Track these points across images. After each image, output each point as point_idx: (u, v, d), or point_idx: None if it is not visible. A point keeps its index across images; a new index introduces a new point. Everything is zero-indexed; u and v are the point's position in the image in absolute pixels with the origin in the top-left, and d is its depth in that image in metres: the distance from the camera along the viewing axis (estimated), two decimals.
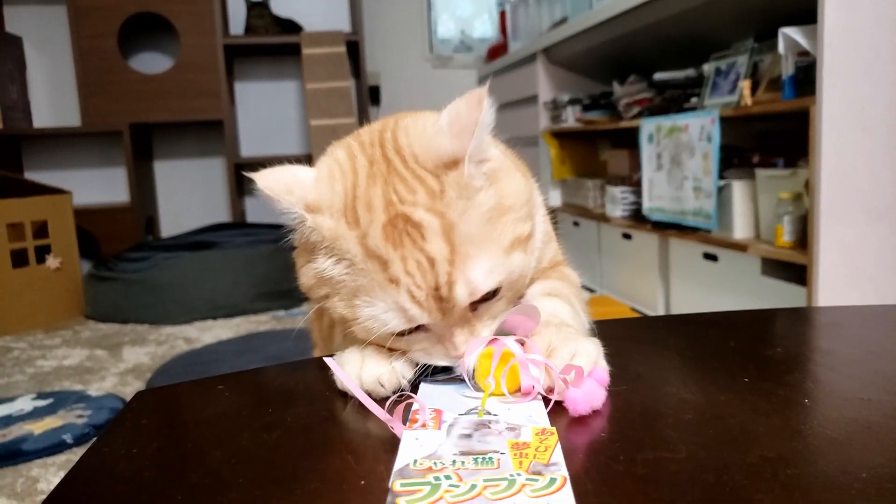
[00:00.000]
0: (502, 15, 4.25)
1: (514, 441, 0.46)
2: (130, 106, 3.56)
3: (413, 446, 0.47)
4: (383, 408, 0.53)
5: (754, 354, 0.65)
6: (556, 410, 0.52)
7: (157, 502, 0.43)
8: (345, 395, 0.58)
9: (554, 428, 0.48)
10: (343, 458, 0.47)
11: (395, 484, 0.41)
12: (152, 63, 3.87)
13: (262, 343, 2.44)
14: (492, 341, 0.57)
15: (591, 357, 0.55)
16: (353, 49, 3.82)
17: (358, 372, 0.58)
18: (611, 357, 0.58)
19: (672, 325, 0.79)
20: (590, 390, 0.53)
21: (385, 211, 0.55)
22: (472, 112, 0.56)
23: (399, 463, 0.45)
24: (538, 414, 0.52)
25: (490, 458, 0.44)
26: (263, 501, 0.42)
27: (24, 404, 1.90)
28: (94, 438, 1.64)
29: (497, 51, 4.17)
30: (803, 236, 1.75)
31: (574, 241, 3.24)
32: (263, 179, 0.58)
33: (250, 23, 3.80)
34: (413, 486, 0.41)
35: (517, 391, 0.55)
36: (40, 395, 1.98)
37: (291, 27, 3.88)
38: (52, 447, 1.60)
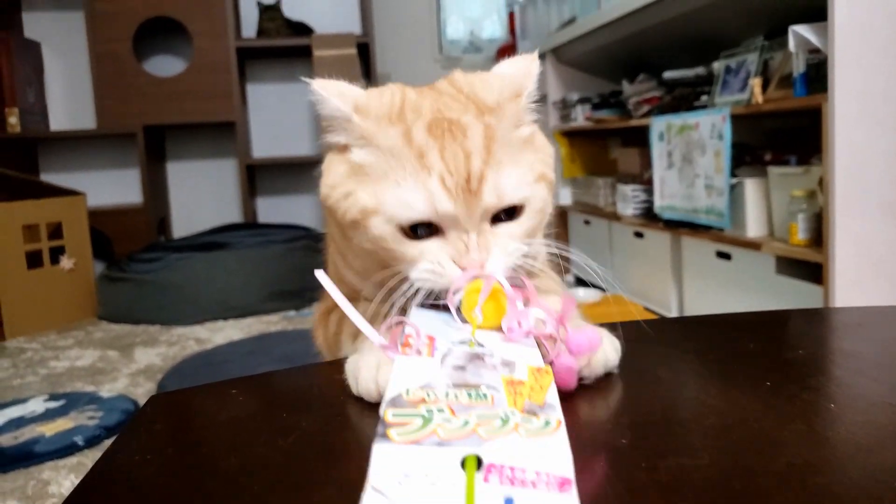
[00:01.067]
0: (511, 16, 4.24)
1: (508, 378, 0.45)
2: (144, 108, 3.58)
3: (406, 374, 0.46)
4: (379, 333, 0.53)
5: (776, 357, 0.64)
6: (570, 401, 0.51)
7: None
8: (359, 400, 0.58)
9: (548, 367, 0.47)
10: (359, 464, 0.46)
11: (387, 413, 0.40)
12: (166, 66, 3.89)
13: (273, 344, 2.45)
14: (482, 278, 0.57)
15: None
16: (364, 51, 3.82)
17: (374, 376, 0.57)
18: (628, 360, 0.57)
19: (689, 327, 0.78)
20: (590, 335, 0.53)
21: (432, 114, 0.59)
22: (529, 64, 0.65)
23: (391, 391, 0.43)
24: (532, 354, 0.51)
25: (484, 394, 0.43)
26: None
27: (37, 406, 1.91)
28: (105, 440, 1.66)
29: (506, 51, 4.15)
30: (818, 234, 1.73)
31: (585, 239, 3.22)
32: (318, 82, 0.62)
33: (262, 25, 3.81)
34: (405, 416, 0.40)
35: (500, 325, 0.54)
36: (52, 397, 1.99)
37: (303, 30, 3.88)
38: (64, 449, 1.61)
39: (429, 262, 0.58)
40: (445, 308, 0.58)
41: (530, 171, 0.61)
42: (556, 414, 0.42)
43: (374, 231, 0.58)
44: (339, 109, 0.60)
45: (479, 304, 0.54)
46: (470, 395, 0.43)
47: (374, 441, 0.37)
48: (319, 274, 0.57)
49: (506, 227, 0.60)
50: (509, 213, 0.60)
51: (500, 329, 0.54)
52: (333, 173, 0.62)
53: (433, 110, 0.60)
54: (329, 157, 0.64)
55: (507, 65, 0.67)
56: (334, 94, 0.60)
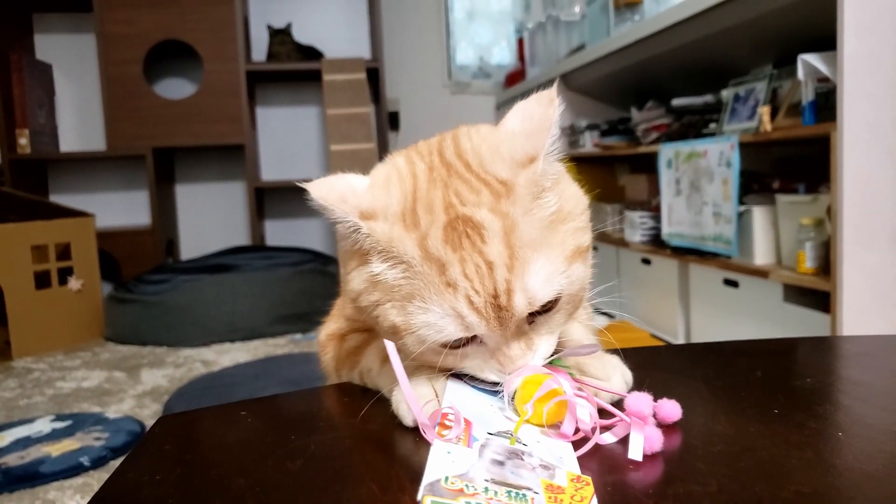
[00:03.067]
0: (520, 42, 4.28)
1: (548, 482, 0.44)
2: (154, 130, 3.62)
3: (444, 460, 0.45)
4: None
5: (783, 384, 0.64)
6: (589, 453, 0.51)
7: None
8: (368, 424, 0.58)
9: (589, 478, 0.46)
10: (368, 487, 0.47)
11: (426, 501, 0.39)
12: (176, 89, 3.94)
13: (280, 366, 2.44)
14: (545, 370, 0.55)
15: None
16: (373, 75, 3.86)
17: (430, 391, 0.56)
18: (637, 386, 0.57)
19: (697, 354, 0.78)
20: (652, 432, 0.51)
21: (446, 212, 0.54)
22: (545, 111, 0.56)
23: (430, 476, 0.42)
24: (568, 456, 0.49)
25: (524, 496, 0.42)
26: None
27: (43, 426, 1.91)
28: (111, 461, 1.66)
29: (515, 77, 4.20)
30: (826, 262, 1.73)
31: (592, 265, 3.22)
32: (317, 189, 0.56)
33: (272, 49, 3.86)
34: None
35: (555, 427, 0.53)
36: (59, 417, 1.99)
37: (313, 54, 3.93)
38: (70, 469, 1.60)
39: (472, 367, 0.57)
40: (483, 383, 0.57)
41: (561, 253, 0.55)
42: None
43: (409, 347, 0.55)
44: (345, 218, 0.55)
45: (531, 402, 0.53)
46: (509, 493, 0.42)
47: None
48: (390, 346, 0.53)
49: (545, 323, 0.56)
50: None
51: (553, 428, 0.53)
52: (357, 280, 0.58)
53: (446, 205, 0.54)
54: (347, 256, 0.59)
55: (520, 112, 0.59)
56: (336, 201, 0.55)
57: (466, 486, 0.42)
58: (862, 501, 0.42)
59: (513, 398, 0.54)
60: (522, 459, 0.47)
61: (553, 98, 0.56)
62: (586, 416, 0.53)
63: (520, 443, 0.50)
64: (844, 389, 0.64)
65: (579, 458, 0.49)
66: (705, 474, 0.46)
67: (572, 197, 0.59)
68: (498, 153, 0.56)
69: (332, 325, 0.75)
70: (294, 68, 3.81)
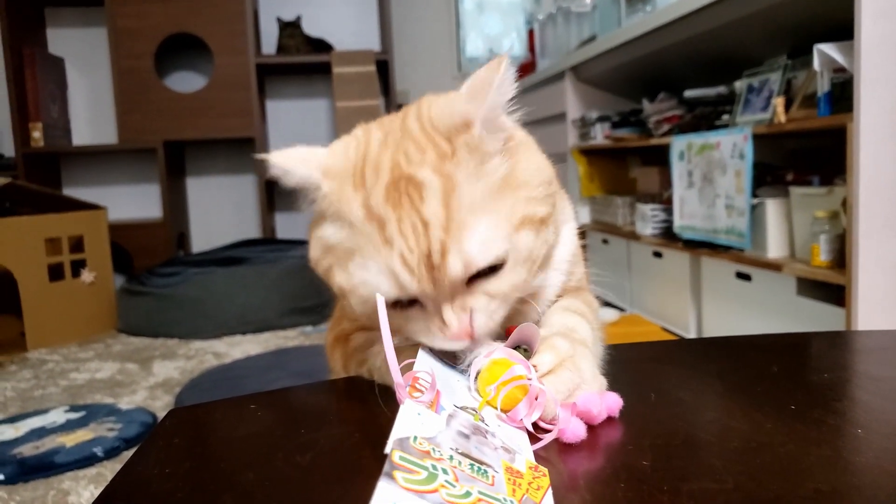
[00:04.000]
0: (531, 33, 4.26)
1: (508, 465, 0.45)
2: (165, 124, 3.63)
3: (413, 421, 0.45)
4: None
5: (800, 380, 0.63)
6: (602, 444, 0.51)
7: None
8: (378, 418, 0.57)
9: (546, 469, 0.46)
10: (377, 482, 0.46)
11: (395, 455, 0.39)
12: (187, 82, 3.94)
13: (291, 359, 2.45)
14: (509, 354, 0.55)
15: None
16: (383, 68, 3.85)
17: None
18: (650, 381, 0.56)
19: (711, 348, 0.77)
20: (574, 427, 0.51)
21: (391, 172, 0.54)
22: (488, 75, 0.55)
23: (398, 432, 0.42)
24: (524, 444, 0.50)
25: (485, 472, 0.42)
26: None
27: (57, 416, 1.92)
28: (124, 452, 1.67)
29: (525, 69, 4.18)
30: (840, 256, 1.71)
31: (603, 258, 3.20)
32: (277, 156, 0.58)
33: (282, 42, 3.86)
34: (411, 464, 0.39)
35: (507, 413, 0.53)
36: (73, 408, 2.00)
37: (322, 46, 3.93)
38: (84, 460, 1.62)
39: (417, 331, 0.57)
40: (449, 358, 0.58)
41: (507, 220, 0.54)
42: None
43: (355, 308, 0.57)
44: (307, 178, 0.57)
45: (496, 383, 0.53)
46: (472, 467, 0.42)
47: (380, 477, 0.36)
48: (380, 299, 0.52)
49: (485, 286, 0.55)
50: (489, 267, 0.55)
51: (503, 412, 0.53)
52: (314, 247, 0.60)
53: (392, 165, 0.54)
54: (311, 225, 0.61)
55: (472, 77, 0.57)
56: (296, 162, 0.57)
57: (433, 449, 0.42)
58: (883, 500, 0.41)
59: (476, 378, 0.55)
60: (486, 438, 0.47)
61: (500, 63, 0.55)
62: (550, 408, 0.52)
63: (483, 423, 0.50)
64: (862, 385, 0.63)
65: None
66: (721, 471, 0.45)
67: (531, 168, 0.58)
68: (442, 115, 0.56)
69: (336, 327, 0.75)
70: (304, 61, 3.81)
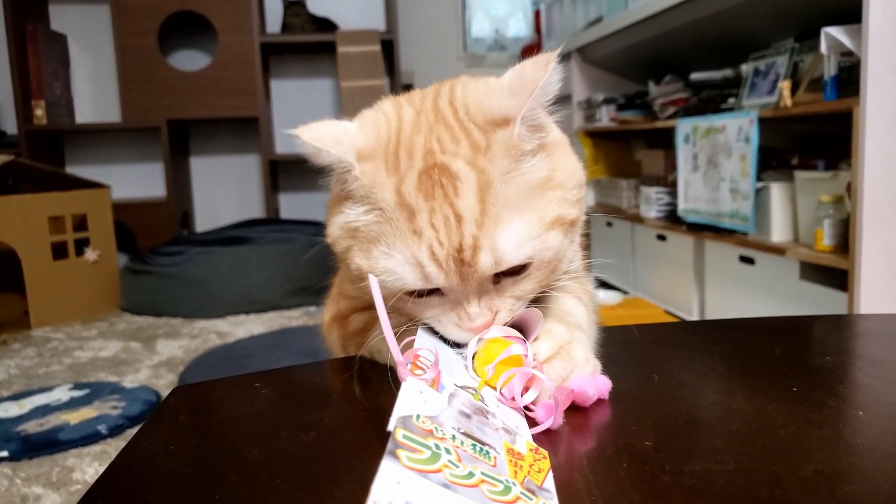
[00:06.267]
0: (537, 14, 4.22)
1: (509, 446, 0.45)
2: (169, 102, 3.62)
3: (416, 399, 0.45)
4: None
5: (802, 362, 0.63)
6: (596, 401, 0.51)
7: (196, 501, 0.43)
8: (381, 396, 0.58)
9: (546, 452, 0.46)
10: (381, 461, 0.47)
11: (398, 433, 0.39)
12: (191, 60, 3.92)
13: (294, 338, 2.46)
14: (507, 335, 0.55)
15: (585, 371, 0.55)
16: (388, 47, 3.82)
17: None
18: (653, 363, 0.56)
19: (714, 331, 0.77)
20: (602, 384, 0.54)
21: (424, 159, 0.53)
22: (535, 73, 0.54)
23: (401, 410, 0.42)
24: (523, 427, 0.50)
25: (487, 452, 0.43)
26: (302, 503, 0.42)
27: (62, 394, 1.94)
28: (128, 429, 1.68)
29: (531, 50, 4.12)
30: (844, 240, 1.71)
31: (607, 241, 3.20)
32: (308, 132, 0.56)
33: (287, 21, 3.83)
34: (414, 443, 0.39)
35: (502, 393, 0.53)
36: (77, 386, 2.01)
37: (327, 26, 3.90)
38: (88, 437, 1.63)
39: (433, 318, 0.57)
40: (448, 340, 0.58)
41: (539, 220, 0.53)
42: (553, 502, 0.41)
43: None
44: (341, 160, 0.55)
45: (493, 363, 0.53)
46: (474, 447, 0.42)
47: (383, 456, 0.37)
48: (372, 280, 0.52)
49: (511, 286, 0.55)
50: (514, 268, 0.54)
51: (497, 389, 0.53)
52: (334, 224, 0.58)
53: (426, 151, 0.53)
54: (331, 202, 0.60)
55: (516, 70, 0.56)
56: (330, 142, 0.55)
57: (436, 428, 0.42)
58: (883, 481, 0.41)
59: (473, 358, 0.55)
60: (487, 418, 0.47)
61: (549, 62, 0.54)
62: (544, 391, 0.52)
63: (482, 402, 0.50)
64: (864, 368, 0.63)
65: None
66: (723, 452, 0.45)
67: (567, 169, 0.57)
68: (483, 104, 0.55)
69: (332, 306, 0.75)
70: (308, 40, 3.79)
